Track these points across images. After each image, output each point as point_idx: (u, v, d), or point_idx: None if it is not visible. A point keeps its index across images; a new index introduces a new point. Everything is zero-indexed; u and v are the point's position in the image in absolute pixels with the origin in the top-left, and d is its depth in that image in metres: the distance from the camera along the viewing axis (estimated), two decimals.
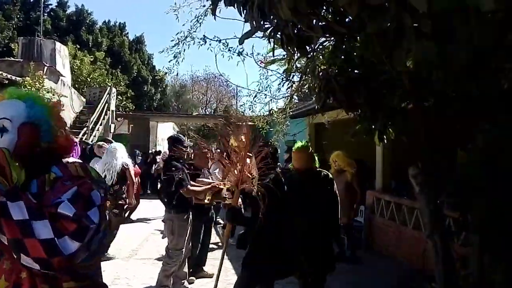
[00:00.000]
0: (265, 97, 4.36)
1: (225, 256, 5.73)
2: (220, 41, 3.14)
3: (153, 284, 4.61)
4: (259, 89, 3.98)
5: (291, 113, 4.92)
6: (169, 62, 3.66)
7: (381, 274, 5.30)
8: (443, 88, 2.45)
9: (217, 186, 4.55)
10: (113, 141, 7.46)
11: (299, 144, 3.45)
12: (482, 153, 2.10)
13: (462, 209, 2.62)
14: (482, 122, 2.51)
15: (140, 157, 10.87)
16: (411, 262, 5.64)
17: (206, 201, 4.92)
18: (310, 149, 3.56)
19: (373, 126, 3.41)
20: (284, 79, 3.26)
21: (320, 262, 3.29)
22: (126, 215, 6.90)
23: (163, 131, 22.07)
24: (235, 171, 3.16)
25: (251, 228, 3.25)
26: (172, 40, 3.47)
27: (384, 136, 3.47)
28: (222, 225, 8.16)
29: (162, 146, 18.40)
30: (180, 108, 37.80)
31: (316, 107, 4.12)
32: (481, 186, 2.07)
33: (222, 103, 38.67)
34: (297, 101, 10.36)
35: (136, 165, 10.06)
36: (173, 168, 4.37)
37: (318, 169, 3.56)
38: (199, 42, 3.20)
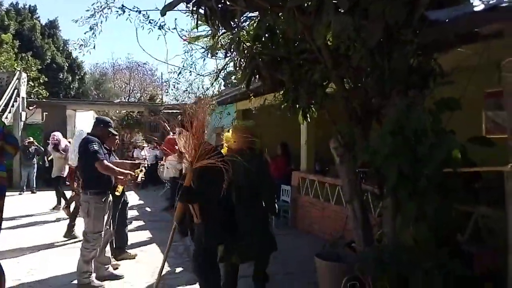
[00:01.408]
0: (190, 74, 4.30)
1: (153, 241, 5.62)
2: (140, 12, 3.03)
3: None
4: (183, 66, 3.91)
5: (217, 93, 4.88)
6: (85, 33, 3.44)
7: (305, 248, 5.55)
8: (360, 63, 2.60)
9: (134, 168, 4.44)
10: None
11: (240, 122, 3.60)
12: (392, 124, 2.27)
13: (376, 176, 2.82)
14: (393, 95, 2.72)
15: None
16: (334, 235, 5.97)
17: (117, 193, 4.75)
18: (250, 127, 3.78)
19: (297, 106, 3.54)
20: (209, 55, 3.25)
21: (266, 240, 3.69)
22: None
23: (83, 121, 20.75)
24: (190, 150, 3.16)
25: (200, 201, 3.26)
26: (87, 10, 3.27)
27: (308, 115, 3.63)
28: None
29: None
30: (101, 97, 35.85)
31: (242, 86, 4.14)
32: (390, 154, 2.25)
33: (147, 92, 37.32)
34: (223, 87, 10.36)
35: None
36: (89, 142, 4.16)
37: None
38: (117, 11, 3.05)
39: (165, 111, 13.90)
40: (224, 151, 5.26)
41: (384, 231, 2.82)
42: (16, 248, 5.67)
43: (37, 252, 5.64)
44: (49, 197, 9.79)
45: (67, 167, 8.33)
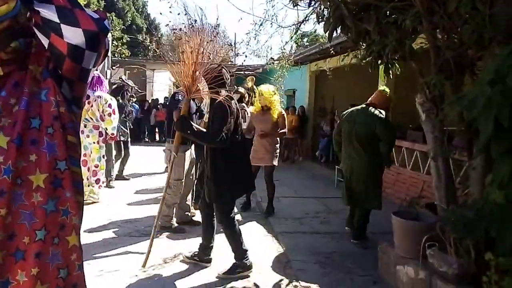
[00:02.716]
0: (271, 26, 4.27)
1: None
2: None
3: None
4: (265, 17, 3.88)
5: (295, 50, 4.81)
6: None
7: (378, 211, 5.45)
8: (457, 9, 2.40)
9: None
10: None
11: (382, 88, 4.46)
12: (491, 73, 2.06)
13: (466, 134, 2.65)
14: (493, 46, 2.48)
15: None
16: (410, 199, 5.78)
17: None
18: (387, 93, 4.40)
19: (379, 62, 3.39)
20: (291, 5, 3.18)
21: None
22: None
23: (160, 82, 21.57)
24: (187, 78, 3.20)
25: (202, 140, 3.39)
26: None
27: (390, 71, 3.47)
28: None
29: (158, 97, 18.12)
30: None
31: (324, 33, 3.99)
32: (487, 105, 2.03)
33: (219, 55, 37.76)
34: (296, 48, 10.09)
35: None
36: (177, 93, 4.39)
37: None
38: None
39: (237, 72, 14.05)
40: (256, 106, 5.27)
41: (470, 192, 2.67)
42: (111, 196, 6.25)
43: (127, 197, 6.18)
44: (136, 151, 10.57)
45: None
